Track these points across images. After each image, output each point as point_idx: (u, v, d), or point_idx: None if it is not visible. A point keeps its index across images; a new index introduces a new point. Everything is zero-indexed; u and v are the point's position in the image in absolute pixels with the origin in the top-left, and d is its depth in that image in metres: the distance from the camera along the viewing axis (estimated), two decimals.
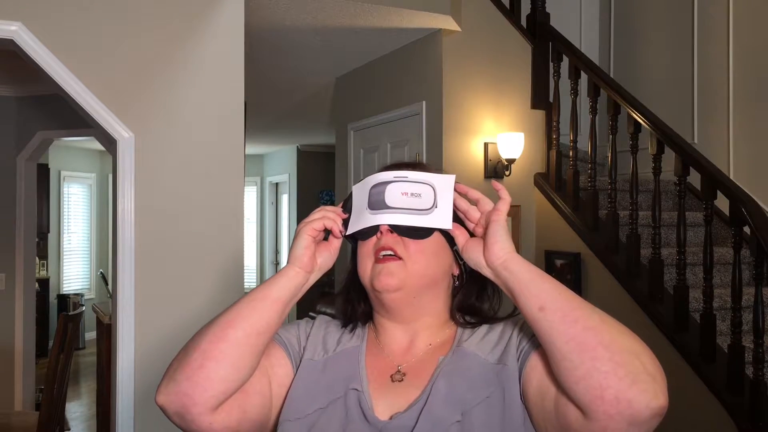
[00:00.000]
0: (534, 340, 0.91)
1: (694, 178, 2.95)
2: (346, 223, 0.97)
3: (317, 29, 3.41)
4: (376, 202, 0.94)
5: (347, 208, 0.98)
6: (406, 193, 0.94)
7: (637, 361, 0.77)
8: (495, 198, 0.93)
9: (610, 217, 3.22)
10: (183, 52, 2.57)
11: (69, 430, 4.63)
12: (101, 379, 3.97)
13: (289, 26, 3.35)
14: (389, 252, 0.95)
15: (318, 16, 3.21)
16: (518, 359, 0.91)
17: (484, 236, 0.91)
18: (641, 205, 3.51)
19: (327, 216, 0.95)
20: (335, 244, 0.97)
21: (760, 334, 2.46)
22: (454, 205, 0.95)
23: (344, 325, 1.04)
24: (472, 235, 0.95)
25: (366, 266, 0.97)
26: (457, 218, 0.95)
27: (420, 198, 0.93)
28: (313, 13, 3.17)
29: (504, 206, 0.90)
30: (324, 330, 1.04)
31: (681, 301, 2.83)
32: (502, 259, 0.88)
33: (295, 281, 0.92)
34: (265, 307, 0.89)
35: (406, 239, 0.95)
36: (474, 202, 0.94)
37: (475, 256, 0.91)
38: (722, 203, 2.89)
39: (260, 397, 0.92)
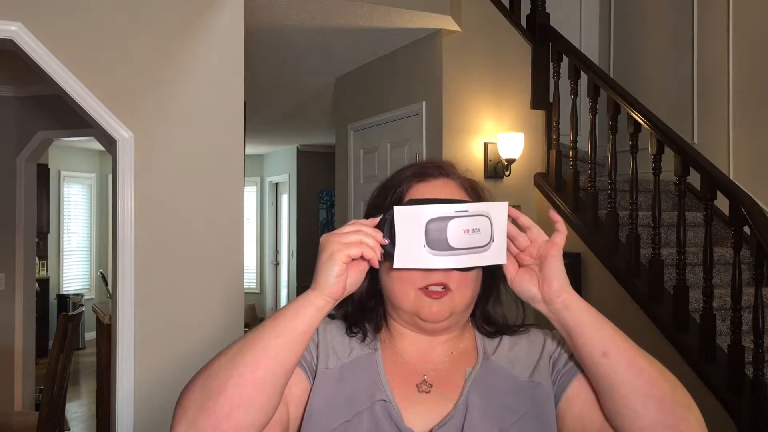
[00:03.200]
0: (571, 364, 0.90)
1: (694, 178, 2.95)
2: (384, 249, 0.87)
3: (317, 29, 3.41)
4: (437, 242, 0.84)
5: (386, 232, 0.86)
6: (468, 230, 0.85)
7: (692, 416, 0.80)
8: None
9: (610, 218, 3.22)
10: (183, 53, 2.57)
11: (69, 430, 4.63)
12: (101, 379, 3.97)
13: (288, 26, 3.35)
14: (439, 287, 0.90)
15: (318, 17, 3.21)
16: (554, 381, 0.90)
17: (539, 270, 0.87)
18: (641, 205, 3.51)
19: (365, 243, 0.83)
20: (364, 264, 0.86)
21: (760, 334, 2.46)
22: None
23: (351, 329, 0.98)
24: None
25: (407, 293, 0.91)
26: None
27: (479, 234, 0.86)
28: (313, 13, 3.17)
29: (561, 239, 0.86)
30: (329, 334, 0.98)
31: (681, 301, 2.83)
32: (562, 297, 0.85)
33: (323, 312, 0.83)
34: (293, 343, 0.81)
35: (456, 271, 0.90)
36: (524, 229, 0.89)
37: (528, 289, 0.87)
38: (722, 203, 2.89)
39: (280, 425, 0.87)
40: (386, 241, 0.85)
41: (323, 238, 0.84)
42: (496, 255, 0.86)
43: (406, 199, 0.94)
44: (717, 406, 2.59)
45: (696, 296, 2.89)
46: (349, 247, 0.82)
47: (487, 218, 0.86)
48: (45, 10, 2.37)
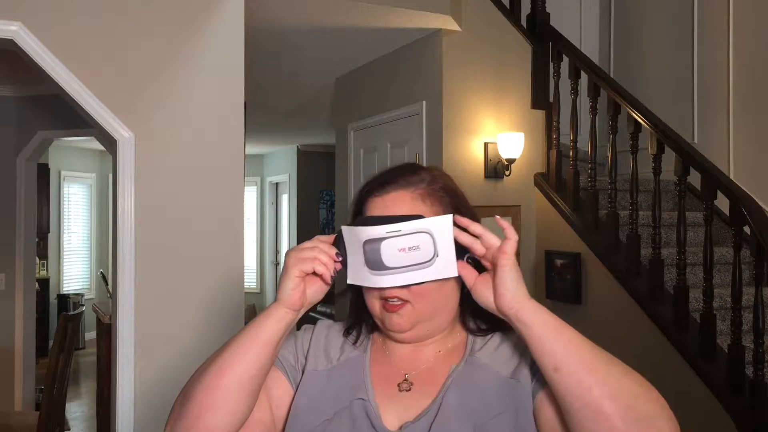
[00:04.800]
0: None
1: (694, 178, 2.95)
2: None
3: (317, 29, 3.41)
4: (374, 262, 0.87)
5: (341, 249, 0.91)
6: (404, 249, 0.86)
7: (653, 429, 0.77)
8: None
9: (610, 217, 3.22)
10: (183, 52, 2.57)
11: (69, 430, 4.63)
12: (101, 379, 3.97)
13: (288, 26, 3.35)
14: (395, 300, 0.92)
15: (318, 16, 3.21)
16: (532, 380, 0.89)
17: (493, 278, 0.85)
18: (641, 205, 3.51)
19: (319, 259, 0.88)
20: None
21: (760, 334, 2.46)
22: (457, 240, 0.87)
23: (347, 331, 1.03)
24: (478, 264, 0.89)
25: (374, 304, 0.95)
26: (460, 249, 0.88)
27: (419, 250, 0.86)
28: (313, 13, 3.17)
29: (510, 247, 0.84)
30: (325, 338, 1.02)
31: (681, 300, 2.83)
32: (514, 309, 0.83)
33: (284, 322, 0.89)
34: (255, 352, 0.87)
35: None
36: (478, 237, 0.87)
37: (484, 299, 0.87)
38: (722, 203, 2.89)
39: (262, 425, 0.92)
40: (339, 258, 0.90)
41: (286, 252, 0.91)
42: (443, 269, 0.87)
43: (364, 214, 0.96)
44: (717, 406, 2.59)
45: (696, 296, 2.89)
46: (303, 263, 0.88)
47: (428, 234, 0.86)
48: (45, 10, 2.37)
